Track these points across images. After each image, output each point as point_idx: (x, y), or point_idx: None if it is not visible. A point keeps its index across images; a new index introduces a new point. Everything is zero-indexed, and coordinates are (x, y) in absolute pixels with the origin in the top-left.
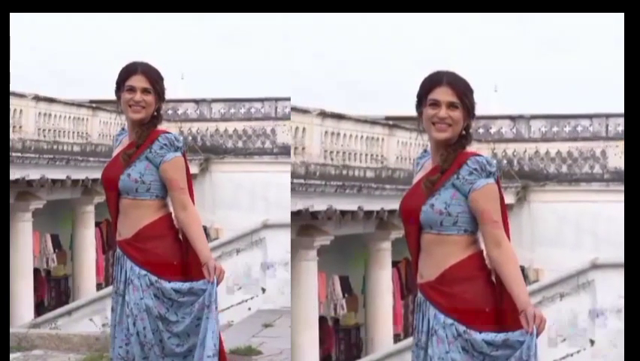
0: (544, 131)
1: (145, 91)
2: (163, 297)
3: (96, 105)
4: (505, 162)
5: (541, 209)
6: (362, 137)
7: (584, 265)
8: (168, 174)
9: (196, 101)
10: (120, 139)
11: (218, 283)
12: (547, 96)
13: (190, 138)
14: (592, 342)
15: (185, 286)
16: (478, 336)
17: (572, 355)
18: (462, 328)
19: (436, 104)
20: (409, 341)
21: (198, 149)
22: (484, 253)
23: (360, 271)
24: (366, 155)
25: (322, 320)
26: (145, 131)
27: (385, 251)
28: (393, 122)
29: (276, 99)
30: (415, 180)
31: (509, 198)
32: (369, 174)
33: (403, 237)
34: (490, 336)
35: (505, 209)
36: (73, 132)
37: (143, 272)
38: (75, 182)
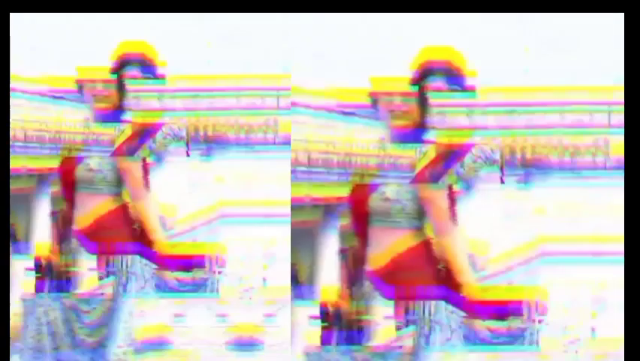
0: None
1: (105, 83)
2: (165, 287)
3: (59, 96)
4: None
5: (488, 195)
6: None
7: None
8: (125, 164)
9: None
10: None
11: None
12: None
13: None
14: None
15: (188, 276)
16: (480, 324)
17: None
18: (464, 316)
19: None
20: (410, 331)
21: (202, 139)
22: (433, 241)
23: (307, 260)
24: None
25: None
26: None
27: (331, 239)
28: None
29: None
30: (418, 169)
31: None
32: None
33: (349, 225)
34: (492, 325)
35: (454, 196)
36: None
37: (144, 261)
38: (30, 171)
